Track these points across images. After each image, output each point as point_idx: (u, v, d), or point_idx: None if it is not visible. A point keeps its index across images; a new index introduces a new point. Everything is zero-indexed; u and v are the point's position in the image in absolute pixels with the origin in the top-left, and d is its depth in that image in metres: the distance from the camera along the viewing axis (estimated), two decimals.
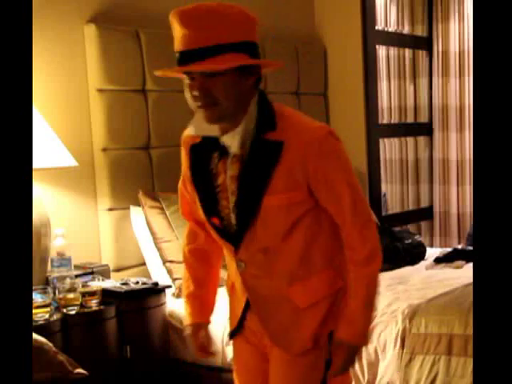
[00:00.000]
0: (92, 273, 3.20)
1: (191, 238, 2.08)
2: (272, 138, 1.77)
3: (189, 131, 1.93)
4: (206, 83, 1.72)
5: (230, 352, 3.21)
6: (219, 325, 3.25)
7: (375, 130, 4.89)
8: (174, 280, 3.42)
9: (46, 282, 3.03)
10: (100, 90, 3.48)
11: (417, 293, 3.29)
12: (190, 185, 1.94)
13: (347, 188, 1.79)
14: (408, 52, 5.54)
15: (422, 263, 4.04)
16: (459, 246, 4.37)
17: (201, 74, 1.72)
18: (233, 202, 1.82)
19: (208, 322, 2.09)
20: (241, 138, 1.78)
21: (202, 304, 2.08)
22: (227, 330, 3.28)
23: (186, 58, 1.71)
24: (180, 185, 2.03)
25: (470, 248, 4.10)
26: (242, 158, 1.79)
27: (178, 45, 1.73)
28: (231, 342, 2.09)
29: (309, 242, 1.84)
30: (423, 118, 5.56)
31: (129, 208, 3.56)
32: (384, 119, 5.44)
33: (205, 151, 1.87)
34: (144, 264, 3.57)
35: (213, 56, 1.68)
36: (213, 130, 1.83)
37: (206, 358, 2.13)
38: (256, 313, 1.90)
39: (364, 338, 1.87)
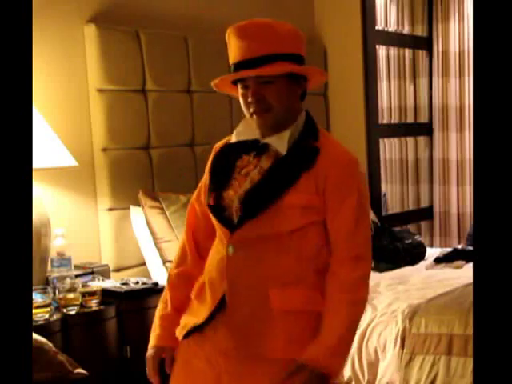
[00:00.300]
0: (92, 273, 3.20)
1: (181, 261, 2.07)
2: (313, 144, 1.87)
3: (228, 140, 1.99)
4: (259, 90, 1.83)
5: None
6: None
7: (375, 130, 4.89)
8: None
9: (46, 282, 3.03)
10: (100, 90, 3.48)
11: (417, 293, 3.29)
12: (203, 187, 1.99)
13: (355, 216, 1.83)
14: (408, 52, 5.54)
15: (422, 263, 4.05)
16: (459, 246, 4.38)
17: (255, 82, 1.83)
18: (244, 189, 1.86)
19: (172, 348, 1.99)
20: (286, 141, 1.86)
21: (171, 328, 2.00)
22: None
23: (241, 66, 1.84)
24: (193, 198, 2.06)
25: (470, 248, 4.10)
26: (278, 155, 1.87)
27: (233, 57, 1.87)
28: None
29: (306, 254, 1.85)
30: (423, 118, 5.56)
31: (129, 208, 3.56)
32: (384, 119, 5.44)
33: (235, 151, 1.94)
34: (144, 264, 3.58)
35: (266, 64, 1.81)
36: (253, 134, 1.93)
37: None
38: (230, 304, 1.85)
39: (329, 365, 1.79)
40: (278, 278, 1.84)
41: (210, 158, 2.02)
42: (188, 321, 1.95)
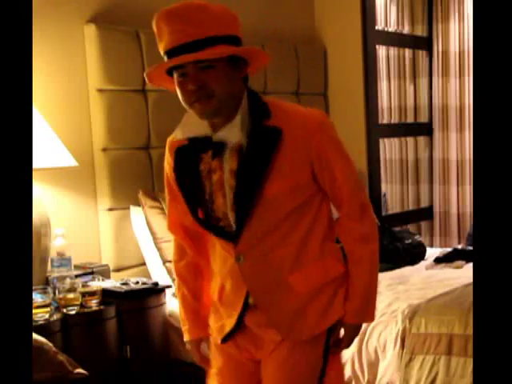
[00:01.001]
0: (92, 273, 3.20)
1: (180, 254, 2.06)
2: (269, 124, 1.79)
3: (175, 136, 1.91)
4: (199, 76, 1.74)
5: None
6: None
7: (375, 130, 4.89)
8: (174, 280, 3.41)
9: (46, 282, 3.03)
10: (100, 90, 3.48)
11: (417, 293, 3.29)
12: (175, 190, 1.93)
13: (346, 169, 1.86)
14: (408, 52, 5.54)
15: (422, 263, 4.05)
16: (459, 246, 4.37)
17: (194, 68, 1.73)
18: (231, 198, 1.81)
19: (207, 336, 2.06)
20: (239, 127, 1.79)
21: (199, 318, 2.05)
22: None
23: (177, 52, 1.74)
24: (166, 193, 2.02)
25: (470, 248, 4.10)
26: (241, 150, 1.80)
27: (166, 43, 1.78)
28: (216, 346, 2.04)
29: (308, 229, 1.86)
30: (423, 118, 5.56)
31: (129, 208, 3.56)
32: (384, 119, 5.44)
33: (192, 153, 1.87)
34: (144, 264, 3.58)
35: (203, 48, 1.71)
36: (203, 129, 1.84)
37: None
38: (259, 306, 1.88)
39: (367, 316, 1.93)
40: (292, 263, 1.86)
41: (167, 158, 1.95)
42: (217, 324, 1.98)
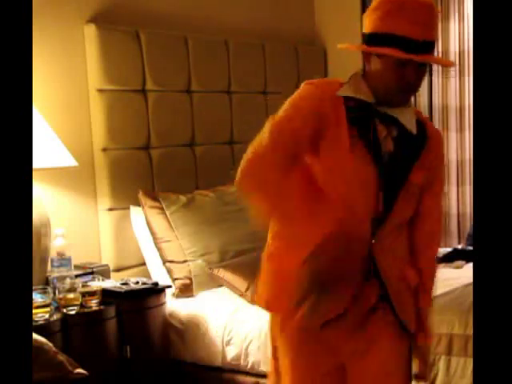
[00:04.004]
0: (92, 273, 3.20)
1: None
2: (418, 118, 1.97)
3: (342, 92, 1.96)
4: (419, 72, 1.87)
5: (230, 352, 3.22)
6: (219, 325, 3.26)
7: None
8: (173, 280, 3.42)
9: (46, 282, 3.03)
10: (100, 90, 3.48)
11: None
12: (347, 136, 1.86)
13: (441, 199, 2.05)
14: None
15: None
16: (459, 246, 4.37)
17: (417, 64, 1.84)
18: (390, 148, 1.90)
19: None
20: (413, 116, 1.94)
21: None
22: (227, 329, 3.27)
23: (417, 47, 1.82)
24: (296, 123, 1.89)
25: (470, 248, 4.10)
26: (396, 136, 1.89)
27: (403, 29, 1.81)
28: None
29: (416, 224, 1.98)
30: None
31: (129, 208, 3.56)
32: None
33: (364, 117, 1.91)
34: (144, 264, 3.58)
35: (432, 50, 1.87)
36: (369, 97, 1.94)
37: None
38: (386, 285, 1.90)
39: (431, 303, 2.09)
40: (408, 256, 1.97)
41: (327, 98, 1.92)
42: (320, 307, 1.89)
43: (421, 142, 1.92)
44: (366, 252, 1.87)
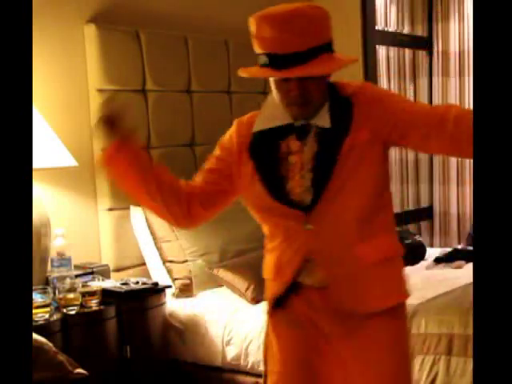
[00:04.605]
0: (92, 273, 3.20)
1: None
2: (342, 96, 1.89)
3: (256, 128, 1.94)
4: (302, 84, 1.80)
5: (230, 352, 3.22)
6: (219, 325, 3.26)
7: None
8: (173, 280, 3.42)
9: (46, 282, 3.03)
10: (100, 90, 3.48)
11: (417, 293, 3.28)
12: (248, 173, 1.94)
13: (408, 100, 2.04)
14: (408, 52, 5.54)
15: (422, 263, 4.04)
16: (459, 246, 4.37)
17: (299, 78, 1.79)
18: (310, 179, 1.86)
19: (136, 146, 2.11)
20: (328, 114, 1.86)
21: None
22: (227, 329, 3.27)
23: (284, 61, 1.76)
24: (211, 159, 2.09)
25: (470, 248, 4.10)
26: (321, 133, 1.87)
27: (268, 47, 1.78)
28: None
29: (378, 197, 1.91)
30: None
31: (129, 208, 3.56)
32: None
33: (269, 138, 1.91)
34: (144, 264, 3.58)
35: (312, 59, 1.76)
36: (285, 119, 1.90)
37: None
38: (325, 271, 1.89)
39: None
40: (359, 233, 1.89)
41: (233, 134, 1.99)
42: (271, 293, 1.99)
43: (346, 120, 1.86)
44: (302, 239, 1.89)
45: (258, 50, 1.81)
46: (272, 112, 1.91)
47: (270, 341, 2.01)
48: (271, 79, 1.84)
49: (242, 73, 1.88)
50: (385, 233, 1.94)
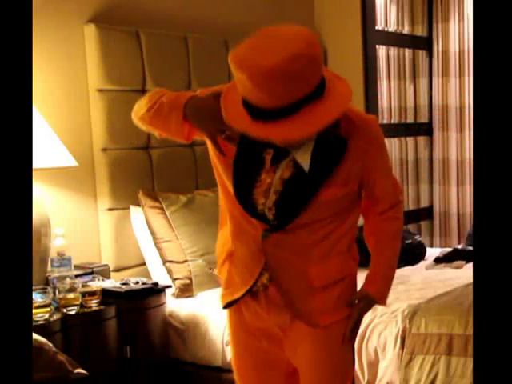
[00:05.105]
0: (92, 273, 3.20)
1: None
2: (336, 132, 1.81)
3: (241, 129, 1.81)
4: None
5: (230, 352, 3.22)
6: (219, 325, 3.26)
7: None
8: (174, 280, 3.42)
9: (46, 282, 3.03)
10: (100, 90, 3.48)
11: (417, 293, 3.29)
12: (224, 166, 1.93)
13: (389, 171, 2.00)
14: (408, 52, 5.54)
15: (422, 263, 4.05)
16: (459, 246, 4.37)
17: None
18: (272, 201, 1.85)
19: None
20: (310, 152, 1.82)
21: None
22: (227, 329, 3.29)
23: (275, 114, 1.64)
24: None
25: (470, 248, 4.10)
26: (297, 165, 1.83)
27: (254, 99, 1.65)
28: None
29: (341, 225, 1.92)
30: (423, 118, 5.56)
31: (129, 208, 3.56)
32: (384, 119, 5.44)
33: (256, 144, 1.82)
34: (144, 264, 3.58)
35: (297, 111, 1.64)
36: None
37: None
38: (275, 280, 1.91)
39: (383, 297, 2.03)
40: (315, 253, 1.90)
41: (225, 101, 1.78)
42: (228, 291, 2.02)
43: (331, 163, 1.81)
44: (258, 246, 1.90)
45: (241, 92, 1.67)
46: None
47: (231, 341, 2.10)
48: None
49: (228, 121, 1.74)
50: (339, 254, 1.95)
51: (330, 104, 1.67)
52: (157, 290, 3.18)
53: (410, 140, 5.62)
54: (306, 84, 1.63)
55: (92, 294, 2.96)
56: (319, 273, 1.91)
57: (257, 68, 1.60)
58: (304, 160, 1.83)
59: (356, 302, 2.00)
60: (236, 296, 1.98)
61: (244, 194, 1.88)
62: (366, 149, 1.86)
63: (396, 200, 2.00)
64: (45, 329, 2.70)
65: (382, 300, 2.04)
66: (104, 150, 3.50)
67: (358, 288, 2.05)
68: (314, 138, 1.81)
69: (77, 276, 3.08)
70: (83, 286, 2.97)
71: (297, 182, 1.83)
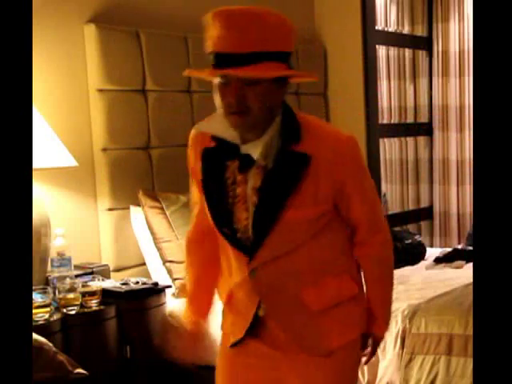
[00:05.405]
0: (92, 273, 3.20)
1: (200, 218, 2.03)
2: (298, 149, 1.74)
3: (199, 127, 1.89)
4: (242, 90, 1.69)
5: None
6: (219, 325, 3.25)
7: (375, 130, 4.89)
8: (173, 280, 3.42)
9: (46, 282, 3.03)
10: (100, 90, 3.48)
11: (417, 293, 3.29)
12: (199, 190, 1.93)
13: (371, 195, 1.87)
14: (408, 52, 5.54)
15: (422, 263, 4.05)
16: (459, 246, 4.37)
17: (238, 80, 1.68)
18: (252, 216, 1.78)
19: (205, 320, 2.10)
20: (264, 148, 1.75)
21: (200, 304, 2.13)
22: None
23: (226, 61, 1.67)
24: (193, 188, 2.05)
25: (470, 248, 4.10)
26: (266, 169, 1.76)
27: (215, 45, 1.69)
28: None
29: (328, 246, 1.84)
30: (423, 118, 5.56)
31: (129, 208, 3.56)
32: (384, 119, 5.44)
33: (219, 157, 1.83)
34: (144, 264, 3.57)
35: (255, 63, 1.65)
36: (230, 135, 1.80)
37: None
38: (273, 318, 1.86)
39: (387, 327, 1.97)
40: (306, 278, 1.83)
41: (192, 151, 1.94)
42: (227, 330, 2.01)
43: (293, 179, 1.73)
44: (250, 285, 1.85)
45: (207, 48, 1.72)
46: (220, 120, 1.79)
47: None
48: (214, 84, 1.74)
49: (186, 72, 1.85)
50: (336, 276, 1.86)
51: (293, 71, 1.77)
52: (157, 290, 3.18)
53: (410, 140, 5.62)
54: (261, 37, 1.66)
55: (92, 293, 2.96)
56: (315, 295, 1.83)
57: (221, 12, 1.69)
58: (255, 150, 1.76)
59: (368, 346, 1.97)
60: (237, 337, 1.92)
61: (222, 214, 1.82)
62: (334, 165, 1.74)
63: (377, 229, 1.87)
64: (45, 329, 2.70)
65: (387, 328, 2.00)
66: (104, 149, 3.50)
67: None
68: (273, 157, 1.75)
69: (77, 276, 3.08)
70: (83, 286, 2.97)
71: (269, 191, 1.76)
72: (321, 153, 1.74)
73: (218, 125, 1.81)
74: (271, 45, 1.68)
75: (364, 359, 1.99)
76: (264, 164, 1.76)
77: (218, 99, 1.75)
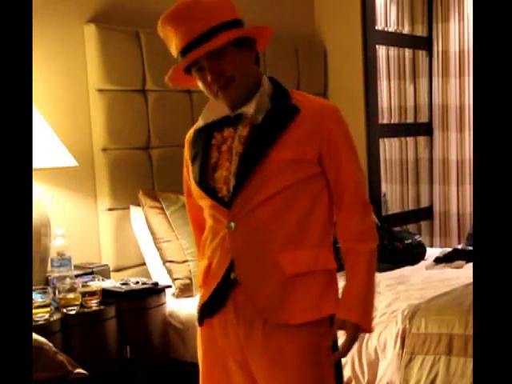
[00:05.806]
0: (92, 273, 3.20)
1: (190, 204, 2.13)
2: (289, 102, 1.88)
3: (197, 124, 2.00)
4: (215, 66, 1.83)
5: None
6: None
7: (375, 130, 4.89)
8: (174, 280, 3.42)
9: (46, 282, 3.03)
10: (100, 90, 3.48)
11: (417, 293, 3.29)
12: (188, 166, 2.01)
13: (353, 163, 1.90)
14: (408, 52, 5.54)
15: (422, 263, 4.05)
16: (459, 246, 4.37)
17: (207, 59, 1.82)
18: (236, 163, 1.85)
19: None
20: (256, 104, 1.86)
21: None
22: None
23: (189, 50, 1.83)
24: (186, 196, 2.10)
25: (470, 248, 4.10)
26: (255, 120, 1.87)
27: (177, 45, 1.86)
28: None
29: (307, 210, 1.86)
30: (423, 118, 5.56)
31: (129, 208, 3.56)
32: (384, 119, 5.44)
33: (206, 133, 1.95)
34: (144, 264, 3.58)
35: (210, 39, 1.80)
36: (223, 112, 1.92)
37: None
38: (243, 279, 1.86)
39: (365, 320, 1.88)
40: (285, 241, 1.85)
41: (186, 150, 2.04)
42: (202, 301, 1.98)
43: (283, 121, 1.84)
44: (228, 241, 1.88)
45: (175, 54, 1.89)
46: (212, 109, 1.94)
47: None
48: (196, 79, 1.88)
49: (166, 80, 1.95)
50: (312, 247, 1.86)
51: (248, 28, 1.90)
52: (157, 290, 3.18)
53: (410, 140, 5.62)
54: (214, 13, 1.84)
55: (92, 294, 2.96)
56: (290, 259, 1.84)
57: (167, 14, 1.92)
58: (249, 108, 1.88)
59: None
60: (205, 298, 1.94)
61: (205, 174, 1.89)
62: (321, 122, 1.85)
63: (359, 198, 1.89)
64: (45, 329, 2.70)
65: (366, 324, 1.88)
66: (104, 149, 3.50)
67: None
68: (268, 107, 1.87)
69: (77, 276, 3.08)
70: (83, 286, 2.97)
71: (254, 139, 1.85)
72: (309, 108, 1.86)
73: (209, 112, 1.95)
74: (217, 18, 1.83)
75: (336, 353, 1.90)
76: (254, 117, 1.86)
77: (204, 88, 1.89)
